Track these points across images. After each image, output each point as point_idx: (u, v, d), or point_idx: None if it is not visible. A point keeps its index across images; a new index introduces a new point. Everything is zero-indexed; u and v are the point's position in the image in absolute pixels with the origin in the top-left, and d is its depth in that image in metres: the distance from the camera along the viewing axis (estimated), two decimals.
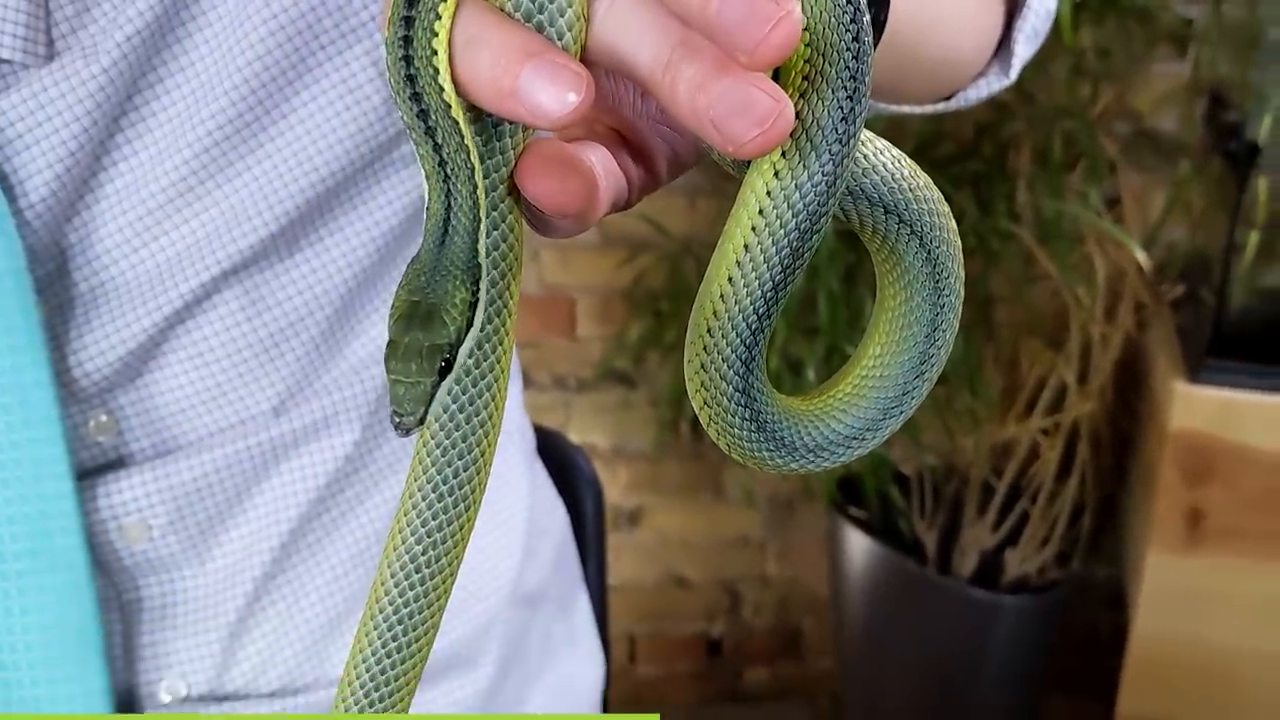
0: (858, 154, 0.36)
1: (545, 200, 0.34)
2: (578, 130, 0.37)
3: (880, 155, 0.36)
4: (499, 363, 0.37)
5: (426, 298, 0.33)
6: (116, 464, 0.61)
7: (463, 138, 0.33)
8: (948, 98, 0.61)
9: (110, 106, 0.54)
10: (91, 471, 0.60)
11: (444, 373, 0.33)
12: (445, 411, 0.37)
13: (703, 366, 0.36)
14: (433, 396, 0.32)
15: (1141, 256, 1.53)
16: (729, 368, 0.36)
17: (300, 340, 0.61)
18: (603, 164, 0.35)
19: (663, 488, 1.95)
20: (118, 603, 0.61)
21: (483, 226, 0.34)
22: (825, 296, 1.54)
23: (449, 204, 0.33)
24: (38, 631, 0.57)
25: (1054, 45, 1.48)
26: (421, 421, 0.32)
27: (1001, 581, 1.69)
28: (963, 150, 1.59)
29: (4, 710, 0.57)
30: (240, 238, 0.58)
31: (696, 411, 0.37)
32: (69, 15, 0.53)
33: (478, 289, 0.33)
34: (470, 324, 0.33)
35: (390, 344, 0.33)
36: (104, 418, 0.60)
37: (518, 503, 0.73)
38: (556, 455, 0.86)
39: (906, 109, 0.60)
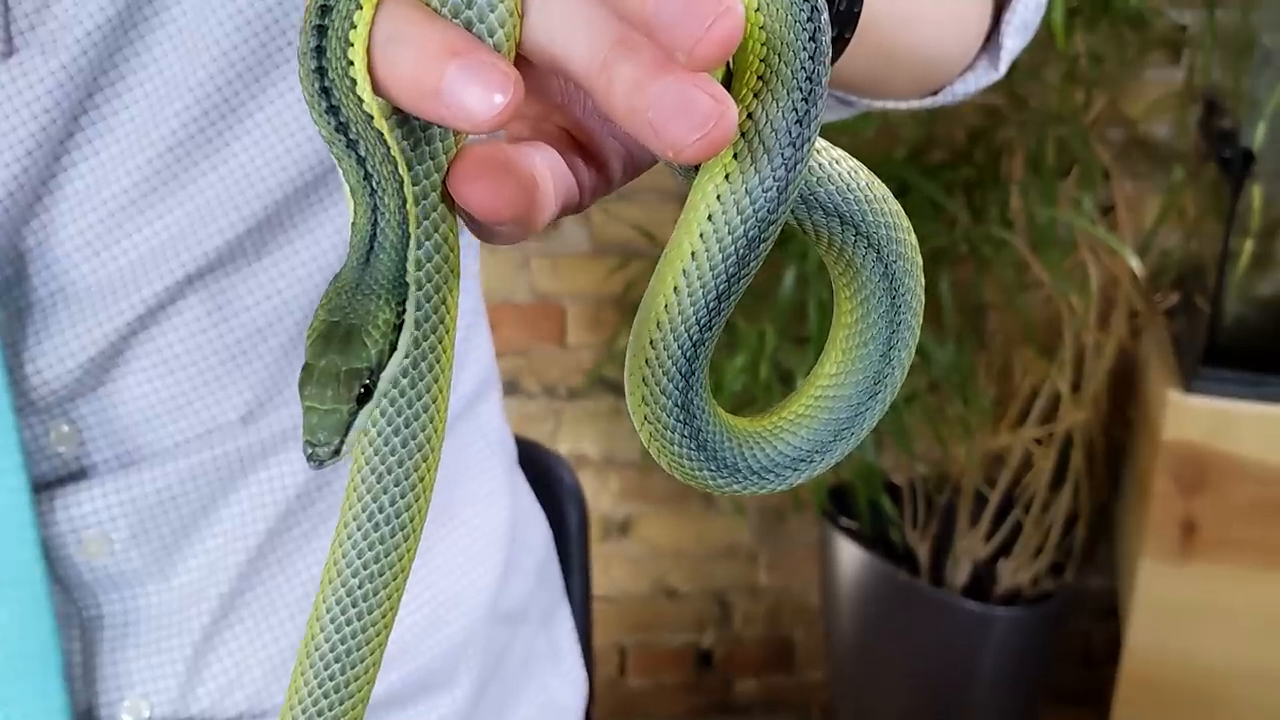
0: (813, 161, 0.34)
1: (480, 207, 0.32)
2: (523, 130, 0.35)
3: (837, 165, 0.35)
4: (436, 382, 0.35)
5: (346, 318, 0.31)
6: (78, 475, 0.58)
7: (388, 149, 0.31)
8: (935, 93, 0.59)
9: (69, 104, 0.53)
10: (51, 483, 0.58)
11: (363, 400, 0.31)
12: (379, 436, 0.35)
13: (644, 380, 0.34)
14: (350, 426, 0.30)
15: (1135, 264, 1.51)
16: (669, 382, 0.34)
17: (269, 346, 0.59)
18: (550, 165, 0.33)
19: (653, 497, 1.94)
20: (78, 619, 0.59)
21: (411, 242, 0.32)
22: (815, 305, 1.52)
23: (375, 219, 0.31)
24: None
25: (1047, 50, 1.47)
26: (337, 453, 0.30)
27: (994, 592, 1.68)
28: (955, 156, 1.58)
29: None
30: (205, 240, 0.56)
31: (637, 428, 0.36)
32: (28, 10, 0.51)
33: (403, 309, 0.31)
34: (394, 347, 0.31)
35: (305, 368, 0.31)
36: (65, 428, 0.58)
37: (498, 516, 0.71)
38: (539, 467, 0.84)
39: (891, 105, 0.58)
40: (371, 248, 0.31)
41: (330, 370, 0.30)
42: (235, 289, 0.57)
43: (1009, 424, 1.66)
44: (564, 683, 0.77)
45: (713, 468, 0.36)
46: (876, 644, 1.78)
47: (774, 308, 1.53)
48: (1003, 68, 0.59)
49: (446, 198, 0.34)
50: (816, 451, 0.38)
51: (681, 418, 0.35)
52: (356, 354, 0.30)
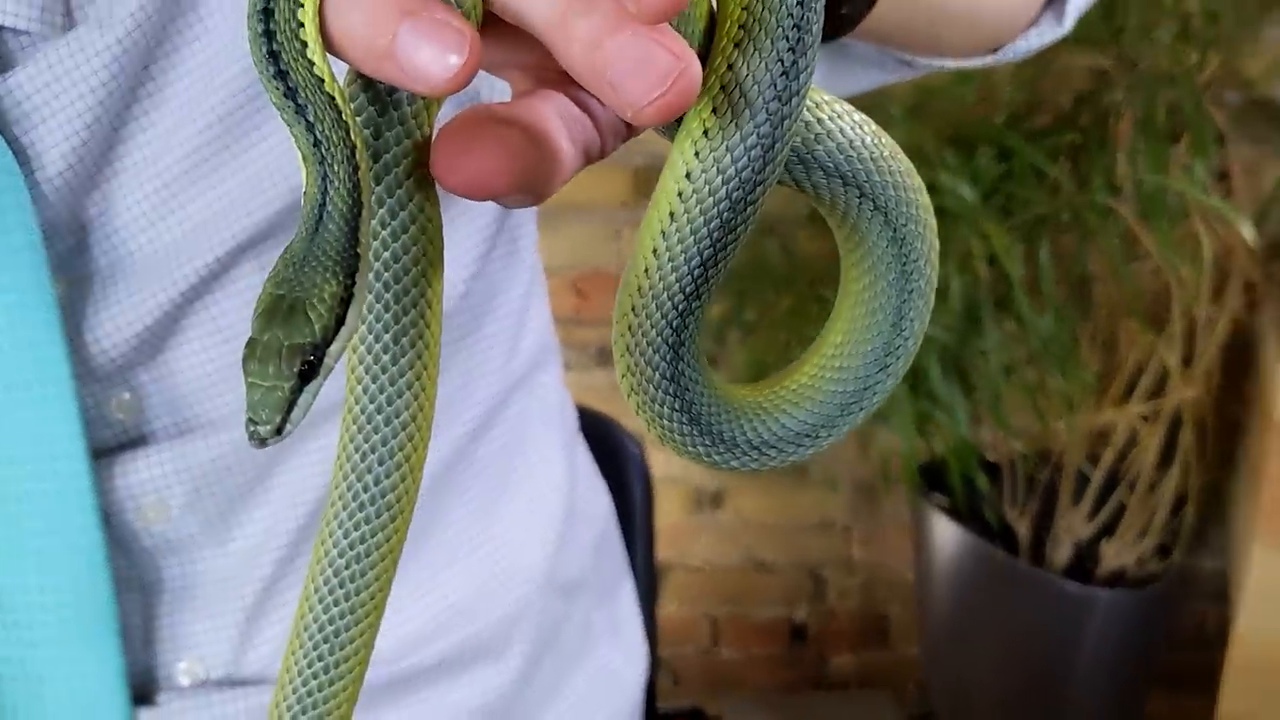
0: (807, 116, 0.32)
1: (471, 186, 0.30)
2: (525, 81, 0.34)
3: (838, 120, 0.33)
4: (420, 359, 0.34)
5: (292, 291, 0.30)
6: (136, 442, 0.60)
7: (339, 113, 0.31)
8: (995, 51, 0.57)
9: (126, 77, 0.54)
10: (112, 449, 0.59)
11: (307, 376, 0.30)
12: (363, 414, 0.35)
13: (628, 349, 0.33)
14: (293, 403, 0.30)
15: (1250, 234, 1.44)
16: (655, 352, 0.33)
17: None
18: (561, 113, 0.32)
19: None
20: (139, 583, 0.61)
21: (365, 212, 0.31)
22: None
23: (325, 188, 0.31)
24: (54, 610, 0.56)
25: (1158, 9, 1.40)
26: (280, 432, 0.30)
27: (1097, 574, 1.62)
28: (1059, 120, 1.52)
29: (21, 688, 0.57)
30: (256, 210, 0.56)
31: (625, 397, 0.34)
32: None
33: (352, 282, 0.31)
34: (341, 321, 0.30)
35: (249, 343, 0.30)
36: (126, 396, 0.59)
37: (556, 487, 0.70)
38: (604, 439, 0.83)
39: (951, 64, 0.55)
40: (320, 218, 0.31)
41: (272, 345, 0.30)
42: None
43: (1113, 399, 1.60)
44: (624, 657, 0.76)
45: (707, 442, 0.35)
46: (973, 623, 1.74)
47: None
48: (1068, 24, 0.56)
49: (422, 168, 0.33)
50: (822, 427, 0.36)
51: (671, 390, 0.33)
52: (299, 329, 0.30)
